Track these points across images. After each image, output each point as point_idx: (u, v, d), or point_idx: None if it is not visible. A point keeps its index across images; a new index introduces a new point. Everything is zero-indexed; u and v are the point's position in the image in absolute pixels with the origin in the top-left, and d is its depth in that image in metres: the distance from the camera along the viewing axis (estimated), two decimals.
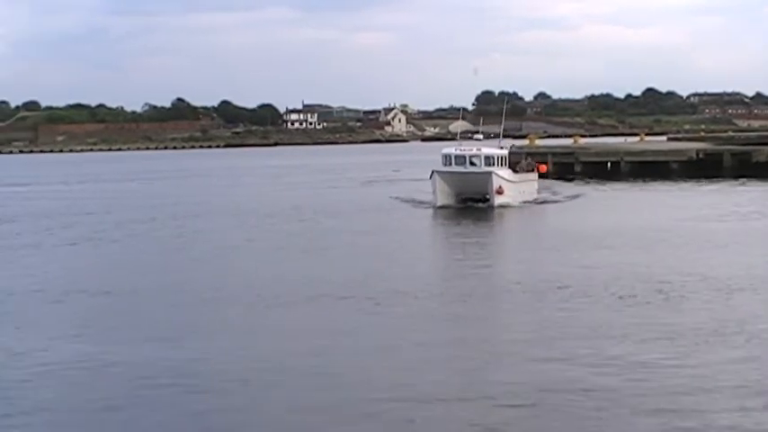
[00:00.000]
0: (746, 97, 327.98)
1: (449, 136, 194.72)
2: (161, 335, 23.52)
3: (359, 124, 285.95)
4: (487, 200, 56.35)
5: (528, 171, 63.80)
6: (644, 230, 42.44)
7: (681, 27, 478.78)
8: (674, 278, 29.42)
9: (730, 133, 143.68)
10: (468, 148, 59.70)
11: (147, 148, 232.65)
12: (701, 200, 58.82)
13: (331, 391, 18.41)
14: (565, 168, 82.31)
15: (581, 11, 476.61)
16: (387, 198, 64.25)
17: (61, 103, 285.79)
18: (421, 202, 59.32)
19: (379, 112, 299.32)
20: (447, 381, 19.06)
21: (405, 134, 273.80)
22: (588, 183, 74.18)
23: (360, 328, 23.78)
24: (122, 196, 76.12)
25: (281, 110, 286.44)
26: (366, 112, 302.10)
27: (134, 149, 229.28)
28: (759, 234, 41.43)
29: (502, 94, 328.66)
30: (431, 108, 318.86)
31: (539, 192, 63.16)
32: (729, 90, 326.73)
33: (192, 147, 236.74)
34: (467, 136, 69.67)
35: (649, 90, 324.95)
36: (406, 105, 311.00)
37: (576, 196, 63.18)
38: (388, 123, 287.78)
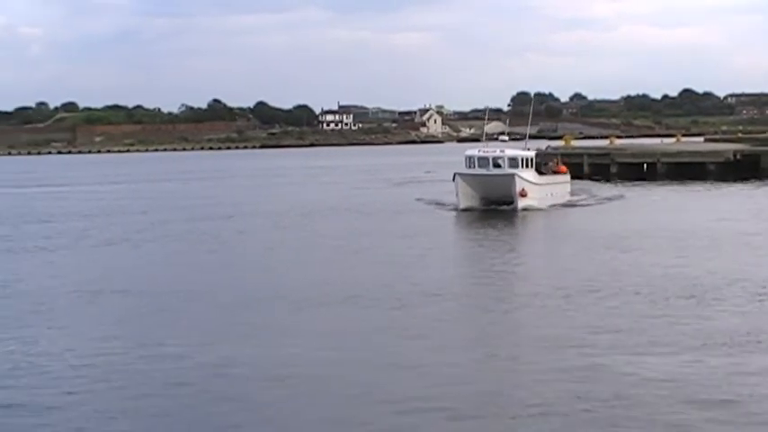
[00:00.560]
0: None
1: (495, 137, 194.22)
2: (194, 337, 23.62)
3: (394, 125, 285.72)
4: (512, 203, 54.98)
5: (555, 173, 62.39)
6: (677, 233, 42.18)
7: (718, 27, 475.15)
8: (716, 282, 29.31)
9: None
10: (491, 150, 58.36)
11: (184, 149, 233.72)
12: (740, 201, 58.39)
13: (360, 401, 18.49)
14: (601, 169, 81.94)
15: (617, 11, 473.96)
16: (412, 200, 63.86)
17: (99, 105, 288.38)
18: (444, 205, 58.44)
19: (415, 112, 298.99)
20: (477, 393, 19.07)
21: (440, 135, 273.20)
22: (625, 184, 73.22)
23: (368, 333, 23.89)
24: (159, 197, 76.57)
25: (317, 111, 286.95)
26: (401, 113, 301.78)
27: (170, 150, 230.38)
28: None
29: (537, 94, 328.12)
30: (466, 109, 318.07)
31: (572, 194, 61.87)
32: (767, 90, 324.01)
33: (228, 147, 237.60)
34: (492, 137, 68.07)
35: (686, 91, 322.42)
36: (441, 106, 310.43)
37: (612, 199, 61.96)
38: (424, 124, 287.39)
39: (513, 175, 54.99)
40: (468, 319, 25.51)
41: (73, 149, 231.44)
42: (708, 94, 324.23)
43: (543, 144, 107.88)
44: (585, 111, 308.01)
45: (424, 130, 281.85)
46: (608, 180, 77.82)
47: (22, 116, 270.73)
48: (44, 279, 33.59)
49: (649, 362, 19.94)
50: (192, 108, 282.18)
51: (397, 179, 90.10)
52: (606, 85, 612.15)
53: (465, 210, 55.18)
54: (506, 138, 65.58)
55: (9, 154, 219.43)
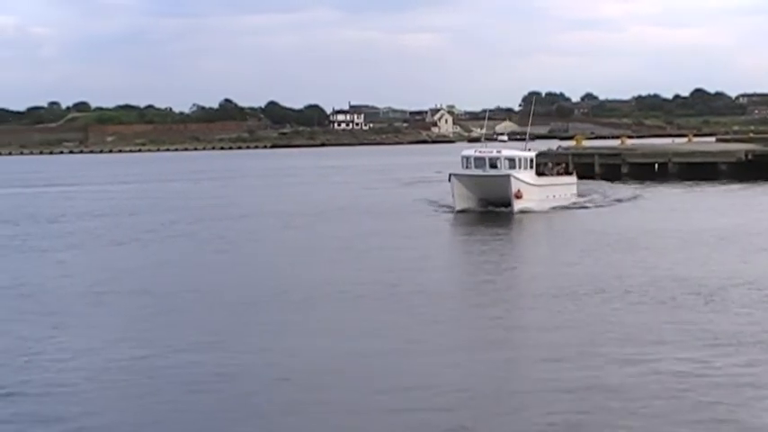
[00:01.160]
0: None
1: (495, 137, 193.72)
2: (203, 336, 23.68)
3: (405, 125, 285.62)
4: (510, 204, 53.29)
5: (558, 174, 61.03)
6: (681, 236, 42.05)
7: (729, 27, 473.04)
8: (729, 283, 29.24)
9: None
10: (487, 150, 56.99)
11: (195, 149, 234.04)
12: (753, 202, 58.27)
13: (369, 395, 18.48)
14: (612, 170, 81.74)
15: (628, 11, 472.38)
16: (414, 200, 63.19)
17: (111, 105, 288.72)
18: (444, 206, 56.89)
19: (426, 112, 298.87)
20: (493, 388, 19.04)
21: (451, 135, 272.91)
22: (637, 185, 72.36)
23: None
24: (169, 197, 76.63)
25: (328, 110, 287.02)
26: (412, 113, 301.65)
27: (182, 150, 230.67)
28: None
29: (549, 95, 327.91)
30: (477, 109, 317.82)
31: (580, 195, 60.34)
32: None
33: (240, 147, 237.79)
34: (492, 137, 66.65)
35: (697, 91, 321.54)
36: (452, 106, 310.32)
37: (623, 200, 60.30)
38: (435, 124, 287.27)
39: (508, 176, 53.36)
40: (453, 322, 25.43)
41: (85, 149, 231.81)
42: (719, 94, 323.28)
43: (554, 144, 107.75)
44: (597, 111, 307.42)
45: (435, 129, 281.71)
46: (619, 180, 77.49)
47: (34, 116, 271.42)
48: (54, 279, 33.65)
49: (652, 362, 19.93)
50: (203, 108, 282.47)
51: (406, 179, 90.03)
52: (617, 86, 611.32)
53: (461, 211, 53.81)
54: (505, 138, 63.79)
55: (21, 153, 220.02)
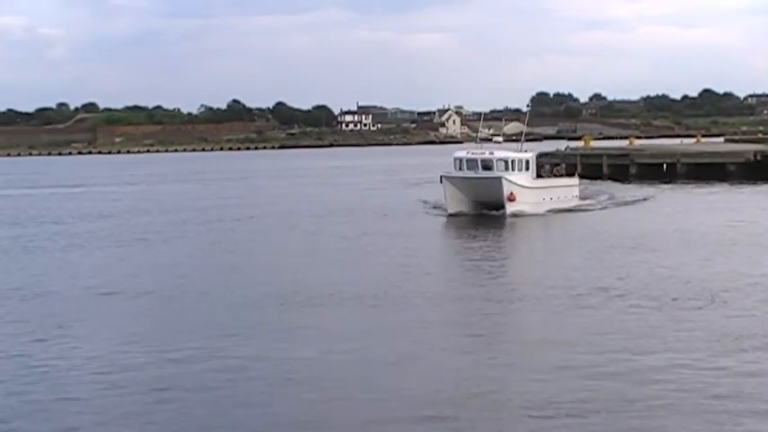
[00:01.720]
0: None
1: (478, 138, 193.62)
2: (205, 338, 23.63)
3: (413, 125, 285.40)
4: (503, 207, 52.03)
5: (557, 175, 59.52)
6: (680, 239, 41.85)
7: (738, 27, 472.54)
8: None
9: None
10: (480, 152, 55.39)
11: (203, 150, 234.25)
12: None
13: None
14: (620, 170, 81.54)
15: (636, 12, 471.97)
16: (416, 201, 62.52)
17: (119, 105, 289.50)
18: (440, 208, 55.58)
19: (434, 113, 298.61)
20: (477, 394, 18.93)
21: (459, 135, 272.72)
22: (648, 185, 71.71)
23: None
24: (177, 198, 76.61)
25: (336, 111, 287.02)
26: (420, 114, 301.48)
27: (190, 150, 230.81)
28: None
29: (557, 95, 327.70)
30: (485, 109, 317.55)
31: (585, 197, 59.05)
32: None
33: (248, 148, 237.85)
34: (486, 138, 64.95)
35: (706, 91, 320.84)
36: (460, 107, 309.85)
37: (631, 202, 58.87)
38: (443, 125, 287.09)
39: (499, 179, 51.94)
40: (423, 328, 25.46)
41: (93, 150, 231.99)
42: (728, 95, 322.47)
43: (563, 144, 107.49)
44: (605, 111, 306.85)
45: (443, 130, 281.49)
46: (627, 181, 77.24)
47: (43, 117, 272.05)
48: (60, 280, 33.64)
49: (652, 366, 19.82)
50: (211, 109, 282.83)
51: (413, 180, 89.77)
52: (626, 86, 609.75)
53: (454, 215, 52.57)
54: (500, 139, 61.00)
55: (30, 154, 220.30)
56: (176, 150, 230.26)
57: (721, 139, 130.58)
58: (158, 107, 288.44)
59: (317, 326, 24.94)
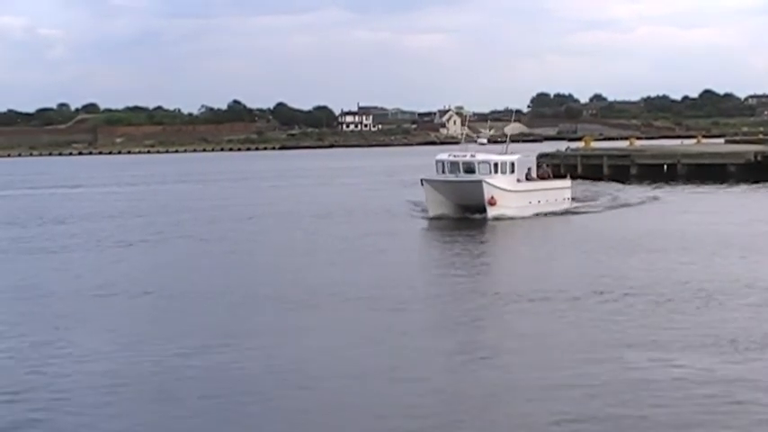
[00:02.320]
0: None
1: (502, 138, 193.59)
2: (202, 339, 23.61)
3: (414, 126, 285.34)
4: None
5: (544, 178, 58.20)
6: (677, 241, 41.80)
7: (738, 28, 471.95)
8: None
9: None
10: (461, 154, 53.75)
11: (204, 150, 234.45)
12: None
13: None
14: (620, 171, 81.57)
15: (636, 12, 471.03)
16: (404, 202, 61.95)
17: (120, 106, 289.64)
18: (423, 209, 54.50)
19: (434, 114, 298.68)
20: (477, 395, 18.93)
21: (459, 136, 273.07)
22: (648, 187, 71.46)
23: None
24: (177, 198, 76.63)
25: (337, 112, 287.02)
26: (421, 114, 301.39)
27: (191, 151, 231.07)
28: None
29: (557, 96, 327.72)
30: (486, 110, 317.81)
31: (576, 200, 57.71)
32: None
33: (248, 148, 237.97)
34: (471, 139, 63.37)
35: (706, 92, 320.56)
36: (461, 107, 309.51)
37: (629, 204, 57.85)
38: (443, 125, 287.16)
39: (480, 182, 50.68)
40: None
41: (94, 150, 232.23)
42: (728, 96, 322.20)
43: (563, 145, 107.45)
44: (605, 112, 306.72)
45: (443, 131, 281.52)
46: (628, 181, 77.20)
47: (44, 117, 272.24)
48: (60, 281, 33.62)
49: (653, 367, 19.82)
50: (211, 109, 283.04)
51: (411, 181, 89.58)
52: (626, 87, 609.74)
53: (435, 218, 51.39)
54: (485, 141, 58.98)
55: (31, 155, 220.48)
56: (177, 151, 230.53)
57: (722, 140, 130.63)
58: (159, 108, 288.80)
59: (315, 327, 24.93)
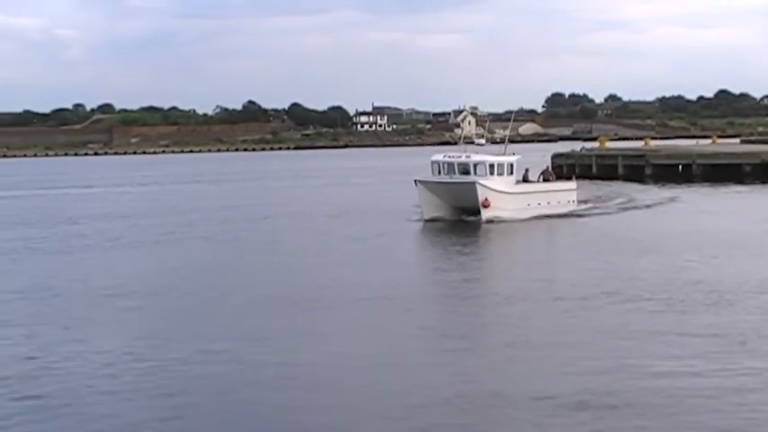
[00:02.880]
0: None
1: (518, 138, 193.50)
2: (215, 339, 23.61)
3: (428, 126, 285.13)
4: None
5: (546, 180, 56.82)
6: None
7: (753, 28, 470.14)
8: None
9: None
10: (457, 155, 52.63)
11: (219, 150, 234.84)
12: None
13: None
14: (635, 171, 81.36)
15: (651, 12, 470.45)
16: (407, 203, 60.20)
17: (135, 106, 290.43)
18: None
19: (449, 114, 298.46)
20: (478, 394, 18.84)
21: (474, 136, 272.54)
22: (664, 187, 71.16)
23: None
24: (191, 198, 76.71)
25: (351, 112, 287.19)
26: (435, 114, 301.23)
27: (205, 151, 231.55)
28: None
29: (572, 96, 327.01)
30: (500, 110, 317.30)
31: (582, 202, 56.40)
32: None
33: (263, 149, 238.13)
34: (469, 140, 62.12)
35: (722, 92, 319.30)
36: (475, 107, 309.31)
37: (637, 208, 56.35)
38: (458, 125, 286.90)
39: (473, 184, 49.60)
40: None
41: (109, 150, 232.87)
42: (744, 96, 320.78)
43: (578, 145, 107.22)
44: (620, 112, 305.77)
45: (458, 131, 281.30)
46: (642, 182, 76.95)
47: (59, 118, 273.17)
48: (72, 281, 33.63)
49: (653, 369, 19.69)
50: (226, 109, 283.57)
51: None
52: (641, 87, 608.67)
53: (430, 220, 50.47)
54: (483, 141, 58.11)
55: (46, 155, 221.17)
56: (192, 151, 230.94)
57: (737, 140, 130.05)
58: (174, 108, 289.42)
59: (322, 327, 24.93)
